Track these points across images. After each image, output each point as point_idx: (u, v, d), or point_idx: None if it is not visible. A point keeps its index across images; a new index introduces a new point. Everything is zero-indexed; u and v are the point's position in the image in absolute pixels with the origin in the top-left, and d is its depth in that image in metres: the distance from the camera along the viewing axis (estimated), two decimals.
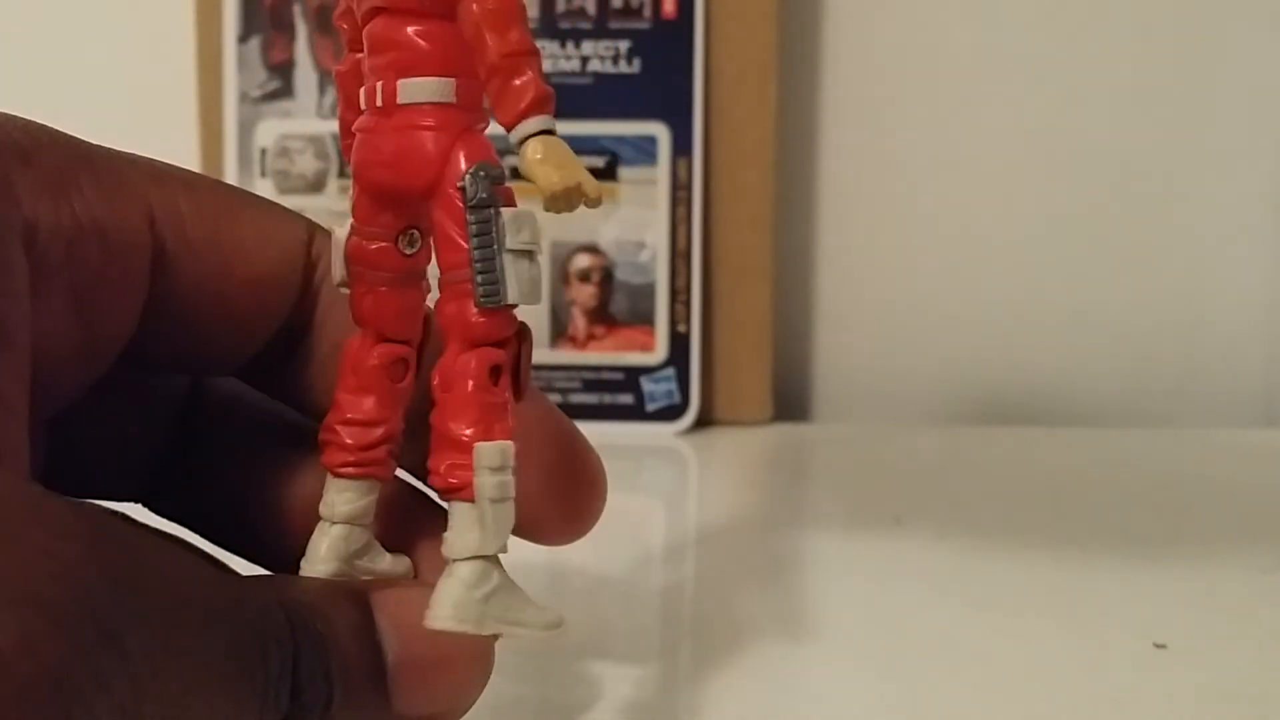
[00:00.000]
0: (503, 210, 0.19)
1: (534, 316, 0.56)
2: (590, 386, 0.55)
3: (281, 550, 0.23)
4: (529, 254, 0.19)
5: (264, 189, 0.55)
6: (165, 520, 0.24)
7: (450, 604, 0.19)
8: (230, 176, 0.55)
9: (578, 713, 0.26)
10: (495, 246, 0.19)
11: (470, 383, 0.19)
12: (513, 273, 0.19)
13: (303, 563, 0.22)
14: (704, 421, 0.56)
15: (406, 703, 0.19)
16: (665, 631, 0.33)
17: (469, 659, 0.20)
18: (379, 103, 0.20)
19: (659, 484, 0.49)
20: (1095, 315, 0.60)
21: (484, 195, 0.19)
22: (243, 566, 0.24)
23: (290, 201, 0.55)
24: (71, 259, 0.19)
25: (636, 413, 0.55)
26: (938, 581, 0.36)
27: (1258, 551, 0.38)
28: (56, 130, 0.20)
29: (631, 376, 0.55)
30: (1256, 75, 0.59)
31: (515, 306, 0.20)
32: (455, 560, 0.19)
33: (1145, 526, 0.42)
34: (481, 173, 0.19)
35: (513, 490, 0.19)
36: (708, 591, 0.36)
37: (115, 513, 0.18)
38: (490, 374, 0.20)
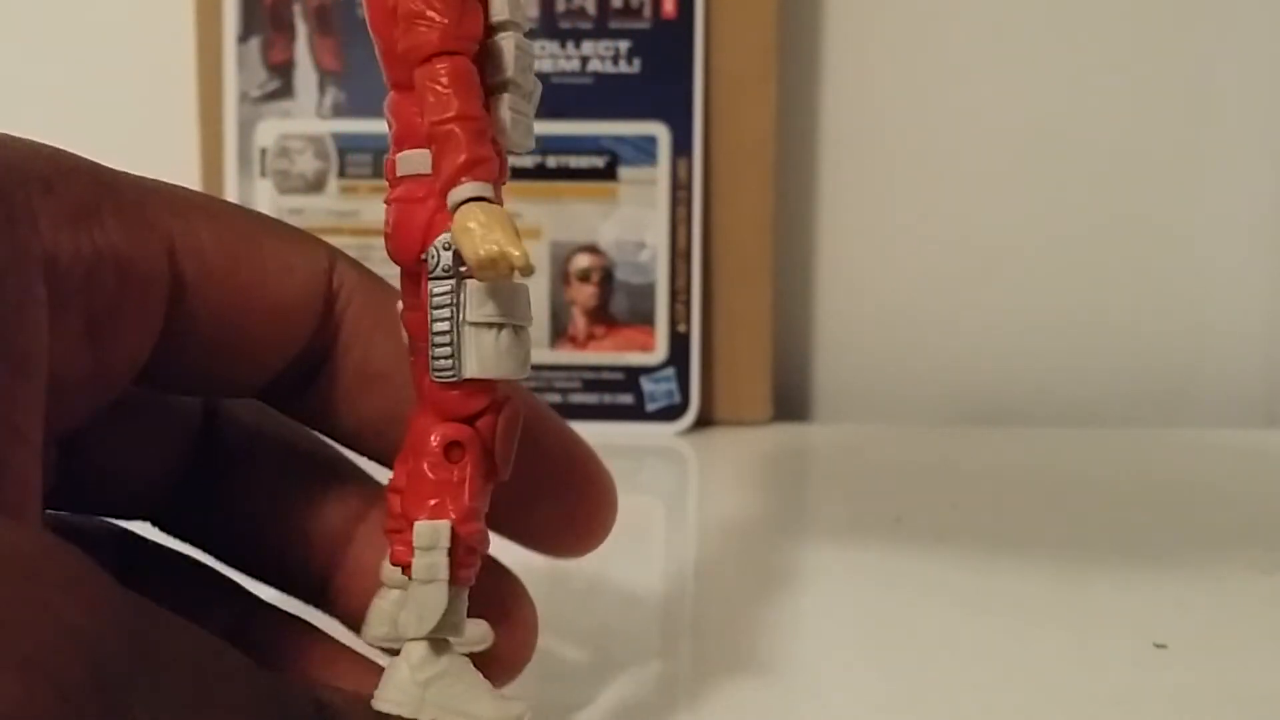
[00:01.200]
0: (469, 281, 0.19)
1: (535, 316, 0.56)
2: (590, 386, 0.55)
3: (295, 575, 0.23)
4: (498, 326, 0.19)
5: (264, 189, 0.55)
6: (175, 539, 0.24)
7: (392, 686, 0.19)
8: (230, 176, 0.55)
9: (578, 713, 0.26)
10: (455, 319, 0.19)
11: (426, 460, 0.19)
12: (473, 346, 0.19)
13: (362, 628, 0.21)
14: (704, 421, 0.56)
15: None
16: (665, 631, 0.33)
17: None
18: (389, 177, 0.20)
19: (659, 484, 0.49)
20: (1096, 316, 0.60)
21: (447, 266, 0.19)
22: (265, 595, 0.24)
23: (290, 201, 0.55)
24: (89, 288, 0.19)
25: (636, 413, 0.55)
26: (937, 582, 0.36)
27: (1258, 552, 0.38)
28: (80, 158, 0.20)
29: (631, 376, 0.55)
30: (1257, 77, 0.59)
31: (488, 381, 0.19)
32: (406, 640, 0.19)
33: (1145, 527, 0.42)
34: (445, 244, 0.19)
35: (444, 573, 0.19)
36: (708, 591, 0.36)
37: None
38: (447, 451, 0.19)
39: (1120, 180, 0.60)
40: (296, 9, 0.55)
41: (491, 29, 0.19)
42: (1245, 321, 0.60)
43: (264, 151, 0.55)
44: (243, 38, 0.55)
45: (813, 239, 0.61)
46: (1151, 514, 0.43)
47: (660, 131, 0.54)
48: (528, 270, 0.18)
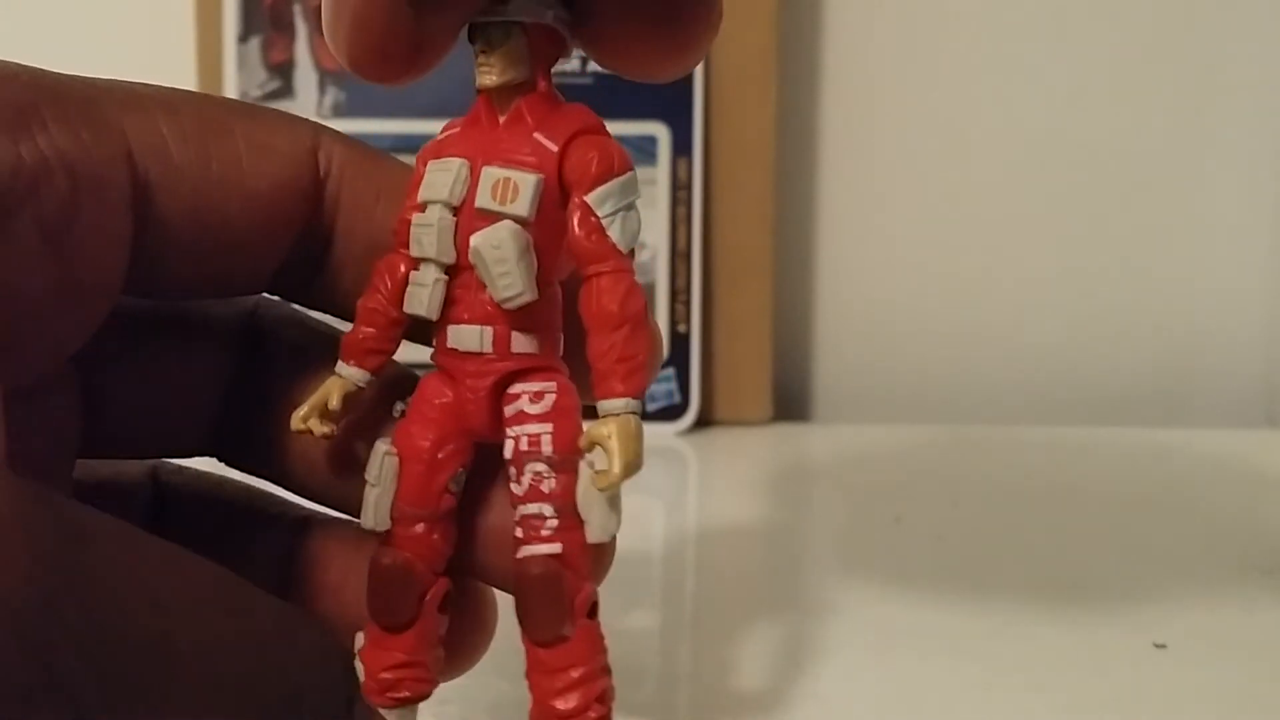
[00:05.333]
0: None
1: None
2: None
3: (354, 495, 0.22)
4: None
5: None
6: (238, 470, 0.24)
7: None
8: None
9: None
10: None
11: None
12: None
13: None
14: (704, 421, 0.56)
15: None
16: (665, 632, 0.33)
17: None
18: None
19: (659, 484, 0.49)
20: (1096, 315, 0.60)
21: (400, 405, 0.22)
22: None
23: None
24: (35, 195, 0.18)
25: None
26: (937, 581, 0.36)
27: (1258, 551, 0.38)
28: (19, 64, 0.19)
29: None
30: (1257, 75, 0.59)
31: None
32: None
33: (1145, 527, 0.42)
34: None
35: None
36: (707, 591, 0.36)
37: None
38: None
39: (1120, 179, 0.60)
40: (296, 9, 0.55)
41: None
42: (1244, 322, 0.60)
43: None
44: (243, 38, 0.55)
45: (813, 239, 0.61)
46: (1151, 514, 0.43)
47: (660, 131, 0.54)
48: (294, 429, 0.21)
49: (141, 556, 0.15)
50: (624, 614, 0.33)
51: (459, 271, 0.21)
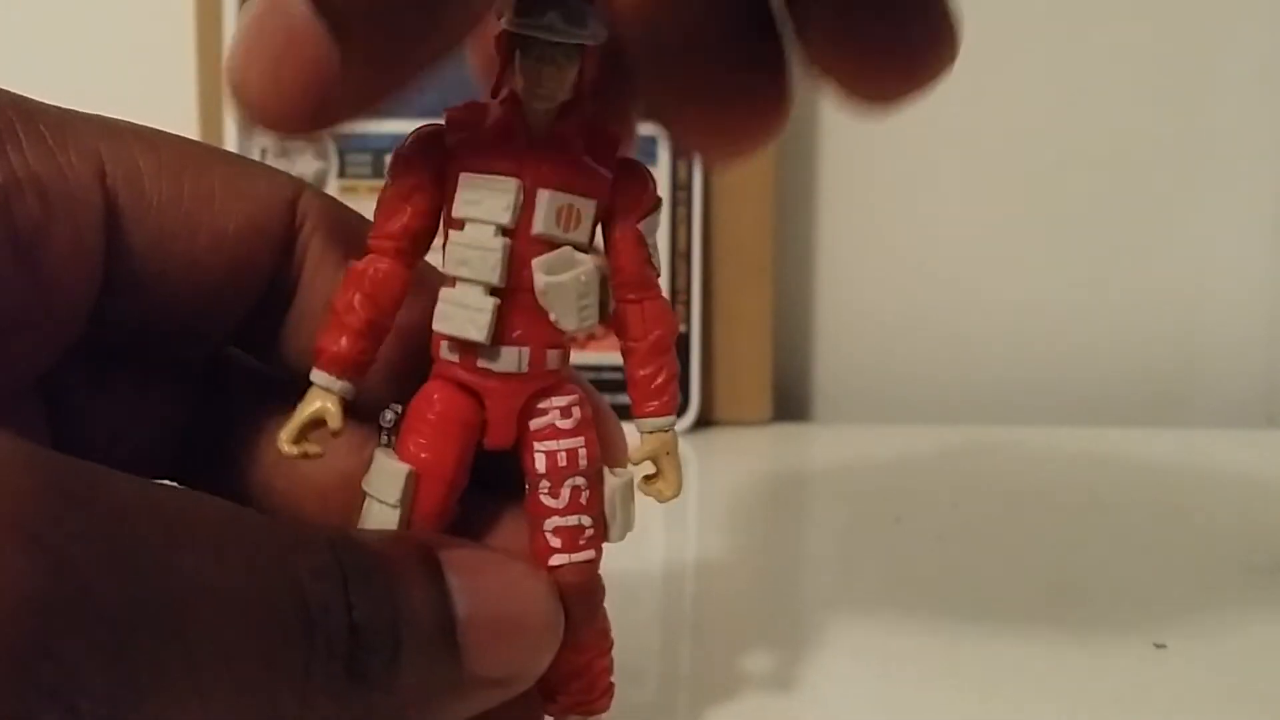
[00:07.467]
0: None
1: None
2: None
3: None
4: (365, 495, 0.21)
5: None
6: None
7: None
8: None
9: None
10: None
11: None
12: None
13: None
14: (704, 421, 0.56)
15: (479, 662, 0.18)
16: (665, 631, 0.33)
17: (542, 622, 0.19)
18: None
19: None
20: (1096, 315, 0.60)
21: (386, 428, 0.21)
22: None
23: None
24: (8, 212, 0.18)
25: None
26: (937, 581, 0.36)
27: (1257, 551, 0.38)
28: None
29: None
30: (1257, 74, 0.59)
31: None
32: None
33: (1145, 526, 0.42)
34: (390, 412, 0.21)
35: None
36: (707, 592, 0.36)
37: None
38: None
39: (1120, 180, 0.60)
40: None
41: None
42: (1245, 322, 0.60)
43: (264, 151, 0.55)
44: None
45: (813, 239, 0.61)
46: (1151, 514, 0.43)
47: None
48: (288, 453, 0.20)
49: (123, 477, 0.15)
50: (624, 614, 0.33)
51: (503, 294, 0.20)
